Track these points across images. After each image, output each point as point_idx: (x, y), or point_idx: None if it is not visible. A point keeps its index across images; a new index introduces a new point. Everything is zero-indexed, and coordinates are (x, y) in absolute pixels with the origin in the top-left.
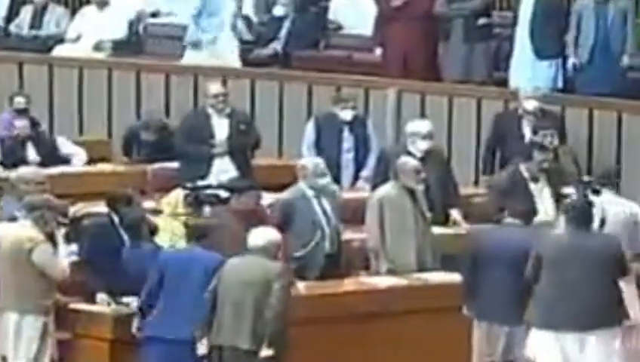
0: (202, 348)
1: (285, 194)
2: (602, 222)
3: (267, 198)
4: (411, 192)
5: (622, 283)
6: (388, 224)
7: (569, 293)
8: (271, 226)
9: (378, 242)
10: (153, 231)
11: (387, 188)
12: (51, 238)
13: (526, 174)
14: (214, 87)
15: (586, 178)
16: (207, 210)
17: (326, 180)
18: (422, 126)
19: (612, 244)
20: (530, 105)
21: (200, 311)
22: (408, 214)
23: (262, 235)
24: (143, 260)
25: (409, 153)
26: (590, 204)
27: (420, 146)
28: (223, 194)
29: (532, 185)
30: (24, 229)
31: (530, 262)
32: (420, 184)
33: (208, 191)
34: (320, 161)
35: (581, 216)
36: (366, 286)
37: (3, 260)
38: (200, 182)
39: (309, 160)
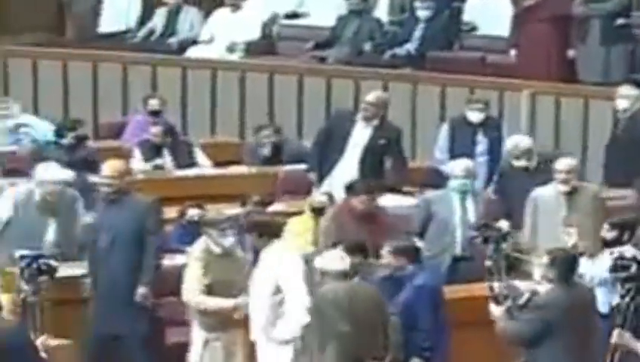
0: None
1: (428, 195)
2: None
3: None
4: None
5: None
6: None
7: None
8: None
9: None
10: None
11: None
12: None
13: None
14: (369, 95)
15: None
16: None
17: (468, 181)
18: (514, 141)
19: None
20: (621, 104)
21: None
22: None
23: None
24: None
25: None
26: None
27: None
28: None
29: None
30: None
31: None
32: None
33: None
34: (465, 163)
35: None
36: None
37: None
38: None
39: (457, 161)
